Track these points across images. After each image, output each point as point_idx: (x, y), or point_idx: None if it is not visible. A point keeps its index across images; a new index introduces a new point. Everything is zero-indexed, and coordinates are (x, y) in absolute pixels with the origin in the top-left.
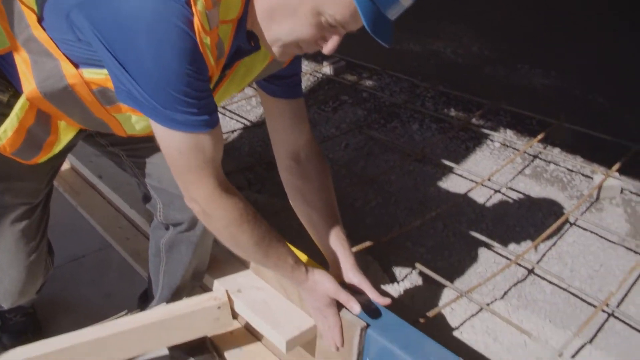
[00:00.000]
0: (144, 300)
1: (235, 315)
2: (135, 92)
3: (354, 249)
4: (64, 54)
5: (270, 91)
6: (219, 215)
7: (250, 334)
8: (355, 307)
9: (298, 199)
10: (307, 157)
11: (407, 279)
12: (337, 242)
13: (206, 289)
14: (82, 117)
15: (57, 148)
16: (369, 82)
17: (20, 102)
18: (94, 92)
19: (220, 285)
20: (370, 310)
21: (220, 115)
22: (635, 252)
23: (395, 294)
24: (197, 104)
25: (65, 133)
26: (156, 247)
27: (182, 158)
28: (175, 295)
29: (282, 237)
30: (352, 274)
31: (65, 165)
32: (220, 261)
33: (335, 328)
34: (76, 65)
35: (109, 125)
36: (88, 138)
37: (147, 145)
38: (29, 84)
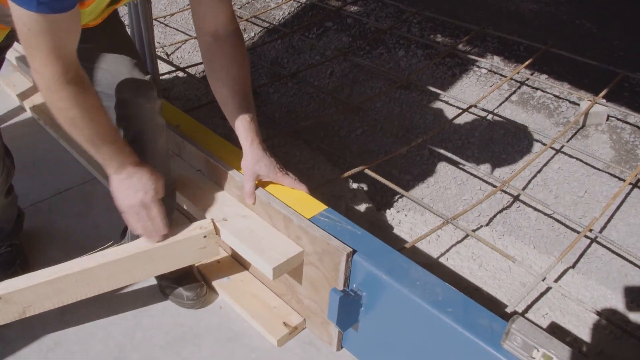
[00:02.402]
0: (125, 234)
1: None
2: None
3: (342, 177)
4: None
5: None
6: (63, 96)
7: (237, 263)
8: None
9: (213, 76)
10: (226, 34)
11: (393, 206)
12: (241, 121)
13: (192, 218)
14: (2, 15)
15: None
16: (353, 8)
17: None
18: None
19: (206, 214)
20: (357, 236)
21: None
22: (619, 179)
23: (382, 221)
24: None
25: None
26: None
27: (30, 35)
28: None
29: (122, 138)
30: (257, 162)
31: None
32: (205, 190)
33: (156, 218)
34: None
35: None
36: None
37: (90, 45)
38: None
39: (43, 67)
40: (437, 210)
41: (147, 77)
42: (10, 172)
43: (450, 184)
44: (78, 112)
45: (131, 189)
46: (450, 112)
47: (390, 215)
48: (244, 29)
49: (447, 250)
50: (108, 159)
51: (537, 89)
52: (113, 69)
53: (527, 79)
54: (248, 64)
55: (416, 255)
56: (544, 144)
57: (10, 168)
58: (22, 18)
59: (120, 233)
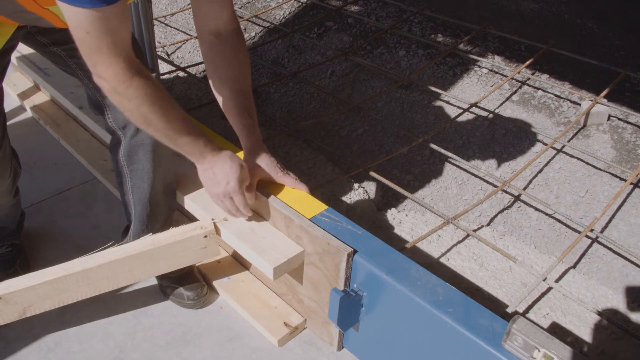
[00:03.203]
0: (126, 233)
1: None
2: None
3: (343, 177)
4: None
5: None
6: (130, 94)
7: (237, 263)
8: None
9: (213, 76)
10: (227, 33)
11: (394, 206)
12: (242, 121)
13: (192, 218)
14: (13, 11)
15: None
16: (354, 8)
17: None
18: None
19: (207, 214)
20: (357, 236)
21: None
22: (621, 179)
23: (383, 221)
24: None
25: (1, 31)
26: (118, 165)
27: (89, 38)
28: (152, 212)
29: (195, 125)
30: (255, 157)
31: (45, 97)
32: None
33: (240, 205)
34: None
35: (46, 19)
36: (28, 37)
37: None
38: None
39: (106, 70)
40: (437, 210)
41: (152, 75)
42: (17, 173)
43: (451, 183)
44: (148, 107)
45: (214, 178)
46: (451, 112)
47: (391, 215)
48: (245, 29)
49: (448, 250)
50: (188, 151)
51: (538, 88)
52: None
53: (528, 79)
54: (249, 64)
55: (417, 255)
56: (545, 144)
57: (17, 169)
58: (80, 23)
59: (120, 233)
